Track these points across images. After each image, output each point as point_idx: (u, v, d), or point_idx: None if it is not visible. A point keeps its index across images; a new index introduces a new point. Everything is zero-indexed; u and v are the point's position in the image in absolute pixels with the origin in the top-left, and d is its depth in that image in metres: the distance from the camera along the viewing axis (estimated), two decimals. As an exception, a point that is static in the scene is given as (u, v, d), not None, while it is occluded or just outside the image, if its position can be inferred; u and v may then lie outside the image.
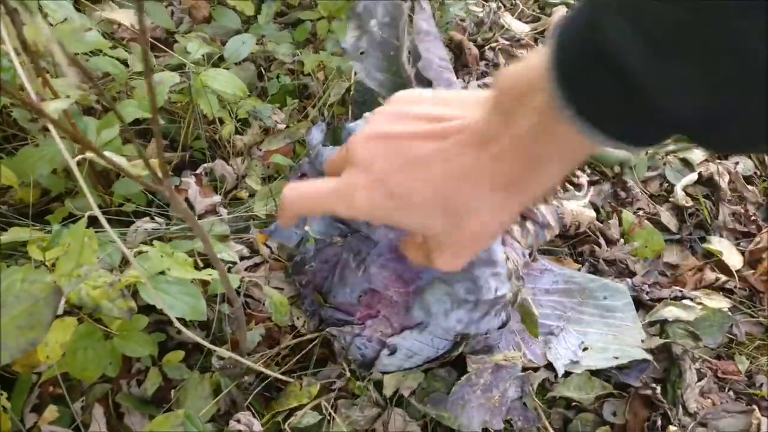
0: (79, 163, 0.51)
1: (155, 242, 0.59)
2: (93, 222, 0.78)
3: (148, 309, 0.66)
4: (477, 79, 1.15)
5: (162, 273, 0.62)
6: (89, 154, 0.46)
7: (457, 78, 1.16)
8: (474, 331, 0.68)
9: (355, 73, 0.98)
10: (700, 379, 0.77)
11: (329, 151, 0.72)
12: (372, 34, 0.78)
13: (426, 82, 0.72)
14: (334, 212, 0.37)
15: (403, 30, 0.75)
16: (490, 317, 0.68)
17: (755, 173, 1.10)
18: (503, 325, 0.72)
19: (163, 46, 0.95)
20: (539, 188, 0.32)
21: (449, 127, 0.33)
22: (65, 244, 0.48)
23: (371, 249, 0.69)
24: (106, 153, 0.48)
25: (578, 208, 0.92)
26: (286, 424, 0.65)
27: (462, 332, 0.68)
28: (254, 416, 0.67)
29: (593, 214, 0.94)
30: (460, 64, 1.19)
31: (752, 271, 0.91)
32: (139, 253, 0.58)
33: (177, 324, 0.58)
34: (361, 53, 0.76)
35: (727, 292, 0.90)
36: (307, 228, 0.69)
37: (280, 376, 0.70)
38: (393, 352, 0.68)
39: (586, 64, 0.25)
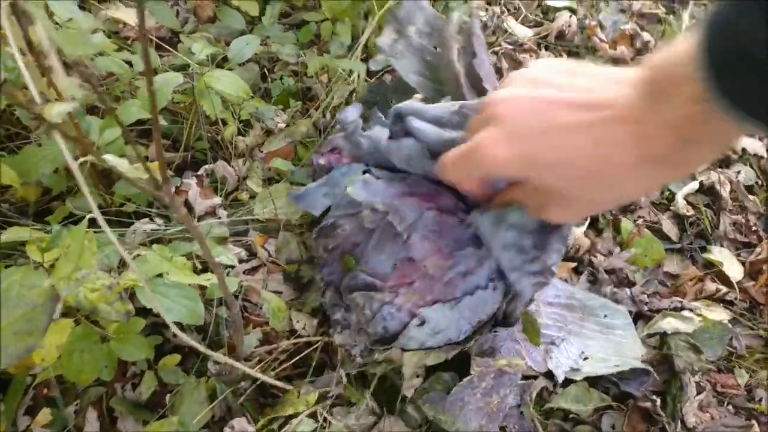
0: (80, 163, 0.50)
1: (154, 246, 0.58)
2: (92, 222, 0.78)
3: (145, 311, 0.66)
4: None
5: (160, 276, 0.62)
6: (90, 157, 0.45)
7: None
8: (469, 325, 0.68)
9: (359, 76, 0.98)
10: (699, 393, 0.77)
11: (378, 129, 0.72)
12: (410, 39, 0.79)
13: (476, 78, 0.72)
14: (476, 169, 0.41)
15: (448, 37, 0.76)
16: (529, 275, 0.66)
17: (757, 183, 1.09)
18: (509, 323, 0.72)
19: (167, 46, 0.94)
20: (690, 166, 0.35)
21: (595, 99, 0.35)
22: (65, 246, 0.47)
23: (417, 218, 0.67)
24: (108, 156, 0.48)
25: (579, 232, 0.92)
26: (282, 431, 0.65)
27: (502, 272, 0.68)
28: (249, 422, 0.67)
29: (588, 242, 0.94)
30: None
31: (753, 282, 0.91)
32: (138, 255, 0.58)
33: (173, 328, 0.58)
34: (396, 55, 0.77)
35: (728, 304, 0.89)
36: (349, 189, 0.66)
37: (276, 383, 0.70)
38: (422, 323, 0.66)
39: (738, 56, 0.27)
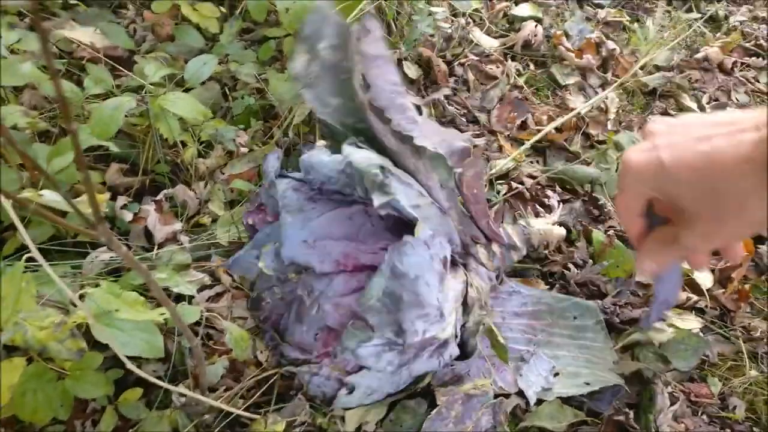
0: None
1: (102, 282, 0.56)
2: (46, 254, 0.75)
3: (104, 345, 0.63)
4: (445, 97, 1.13)
5: (117, 310, 0.60)
6: (24, 196, 0.43)
7: (427, 95, 1.15)
8: (407, 373, 0.67)
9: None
10: (673, 404, 0.76)
11: (285, 183, 0.70)
12: (322, 57, 0.75)
13: (378, 110, 0.70)
14: (621, 181, 0.43)
15: (352, 53, 0.72)
16: (424, 359, 0.66)
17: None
18: (465, 356, 0.70)
19: (122, 68, 0.92)
20: None
21: (730, 119, 0.37)
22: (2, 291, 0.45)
23: (325, 286, 0.67)
24: (45, 191, 0.46)
25: (546, 226, 0.91)
26: (248, 465, 0.63)
27: (397, 374, 0.67)
28: (215, 456, 0.65)
29: (563, 231, 0.93)
30: (430, 81, 1.18)
31: (723, 289, 0.91)
32: (85, 293, 0.55)
33: (129, 365, 0.56)
34: (312, 78, 0.74)
35: (699, 312, 0.89)
36: (260, 264, 0.67)
37: (243, 413, 0.68)
38: (351, 390, 0.66)
39: None
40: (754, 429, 0.76)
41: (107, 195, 0.78)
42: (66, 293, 0.52)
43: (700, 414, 0.77)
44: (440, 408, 0.71)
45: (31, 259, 0.53)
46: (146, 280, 0.45)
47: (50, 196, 0.47)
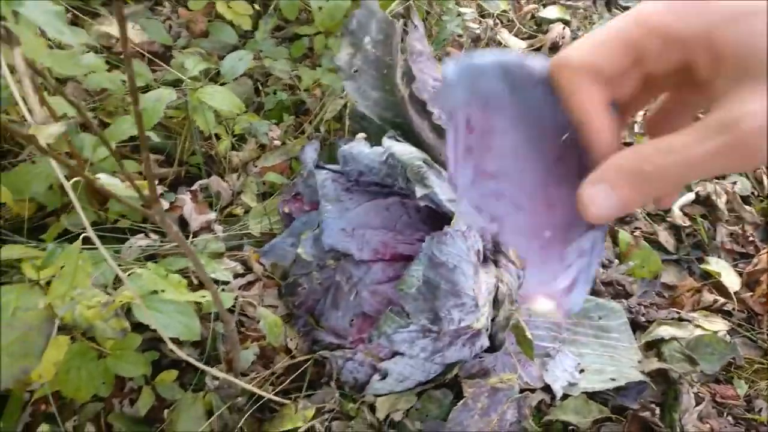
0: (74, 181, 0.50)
1: (149, 264, 0.58)
2: (87, 239, 0.78)
3: (141, 326, 0.66)
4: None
5: (155, 292, 0.62)
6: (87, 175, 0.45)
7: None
8: (440, 361, 0.68)
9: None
10: (698, 404, 0.76)
11: (324, 173, 0.71)
12: (366, 51, 0.78)
13: (420, 103, 0.72)
14: None
15: (396, 49, 0.74)
16: (457, 347, 0.67)
17: (753, 193, 1.10)
18: (493, 348, 0.71)
19: (159, 61, 0.95)
20: None
21: None
22: (59, 266, 0.47)
23: (363, 274, 0.69)
24: (101, 174, 0.48)
25: None
26: (280, 447, 0.64)
27: (431, 361, 0.68)
28: (247, 438, 0.67)
29: None
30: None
31: (750, 293, 0.91)
32: (132, 272, 0.57)
33: (170, 344, 0.58)
34: (355, 71, 0.76)
35: (726, 314, 0.89)
36: (299, 250, 0.68)
37: (274, 398, 0.70)
38: (384, 376, 0.67)
39: None
40: (780, 430, 0.76)
41: (145, 184, 0.80)
42: (117, 272, 0.54)
43: (725, 415, 0.78)
44: (467, 400, 0.72)
45: (83, 241, 0.56)
46: (193, 260, 0.47)
47: (106, 179, 0.49)
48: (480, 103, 0.32)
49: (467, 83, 0.31)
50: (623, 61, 0.28)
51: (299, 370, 0.75)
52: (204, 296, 0.58)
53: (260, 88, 1.04)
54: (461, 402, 0.71)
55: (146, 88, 0.84)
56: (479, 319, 0.65)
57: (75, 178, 0.46)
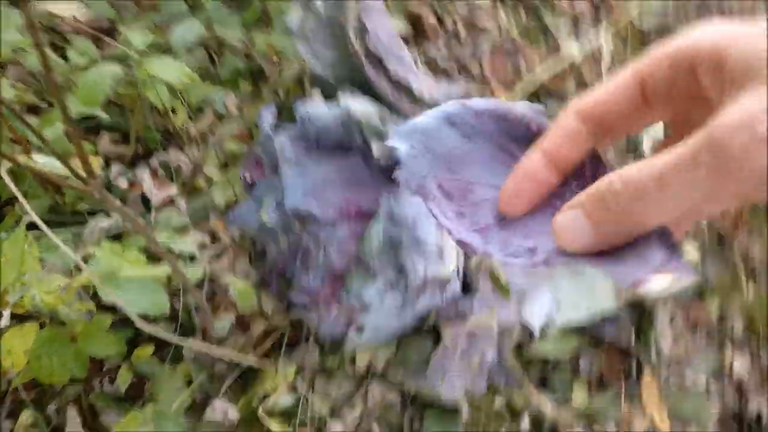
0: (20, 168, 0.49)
1: (104, 242, 0.58)
2: (46, 224, 0.77)
3: (113, 307, 0.66)
4: (438, 50, 1.13)
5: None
6: (20, 160, 0.44)
7: (417, 50, 1.14)
8: (412, 311, 0.68)
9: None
10: (672, 326, 0.78)
11: (282, 136, 0.70)
12: (317, 11, 0.76)
13: (375, 58, 0.71)
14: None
15: (348, 5, 0.73)
16: (427, 296, 0.68)
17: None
18: (468, 292, 0.72)
19: (107, 38, 0.92)
20: None
21: None
22: (4, 254, 0.47)
23: (329, 234, 0.68)
24: (37, 156, 0.47)
25: None
26: (261, 407, 0.65)
27: (403, 312, 0.68)
28: (230, 403, 0.67)
29: None
30: (420, 36, 1.17)
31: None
32: (88, 254, 0.57)
33: (138, 321, 0.58)
34: (308, 32, 0.74)
35: (697, 237, 0.90)
36: (263, 216, 0.68)
37: (252, 361, 0.70)
38: (360, 329, 0.68)
39: None
40: (752, 342, 0.78)
41: (101, 161, 0.79)
42: (69, 255, 0.54)
43: (699, 332, 0.79)
44: (446, 344, 0.72)
45: (32, 228, 0.55)
46: (143, 233, 0.47)
47: (44, 160, 0.48)
48: (443, 166, 0.31)
49: (420, 153, 0.30)
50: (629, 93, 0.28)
51: (277, 333, 0.75)
52: (165, 270, 0.58)
53: (215, 57, 1.02)
54: (441, 347, 0.72)
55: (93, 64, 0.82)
56: (445, 266, 0.65)
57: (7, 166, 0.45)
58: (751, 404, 0.71)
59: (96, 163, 0.63)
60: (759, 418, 0.70)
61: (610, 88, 0.29)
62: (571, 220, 0.26)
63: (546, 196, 0.30)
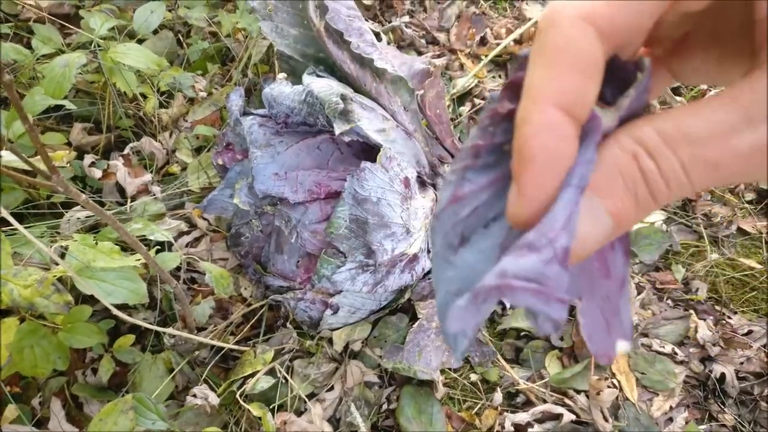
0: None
1: (75, 235, 0.58)
2: (22, 218, 0.77)
3: (94, 297, 0.66)
4: (400, 16, 1.12)
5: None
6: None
7: (384, 20, 1.14)
8: (383, 290, 0.70)
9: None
10: (639, 293, 0.80)
11: (250, 119, 0.70)
12: None
13: (336, 33, 0.70)
14: None
15: None
16: (396, 275, 0.69)
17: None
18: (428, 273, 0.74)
19: (70, 25, 0.91)
20: None
21: None
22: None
23: (301, 215, 0.69)
24: (2, 152, 0.47)
25: None
26: (240, 391, 0.67)
27: (374, 292, 0.70)
28: (211, 388, 0.69)
29: None
30: (385, 6, 1.17)
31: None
32: (61, 246, 0.57)
33: (115, 311, 0.59)
34: (269, 10, 0.74)
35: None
36: (235, 200, 0.68)
37: (233, 347, 0.71)
38: (336, 311, 0.69)
39: None
40: (716, 307, 0.81)
41: (73, 154, 0.79)
42: (42, 249, 0.54)
43: (665, 299, 0.82)
44: (421, 321, 0.74)
45: (5, 224, 0.55)
46: (110, 223, 0.47)
47: (9, 156, 0.48)
48: None
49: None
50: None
51: (256, 316, 0.76)
52: (138, 259, 0.58)
53: (182, 39, 1.01)
54: (416, 324, 0.74)
55: (58, 55, 0.81)
56: (412, 244, 0.67)
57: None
58: (715, 366, 0.73)
59: (60, 156, 0.63)
60: (723, 377, 0.73)
61: None
62: (586, 207, 0.17)
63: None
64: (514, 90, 0.17)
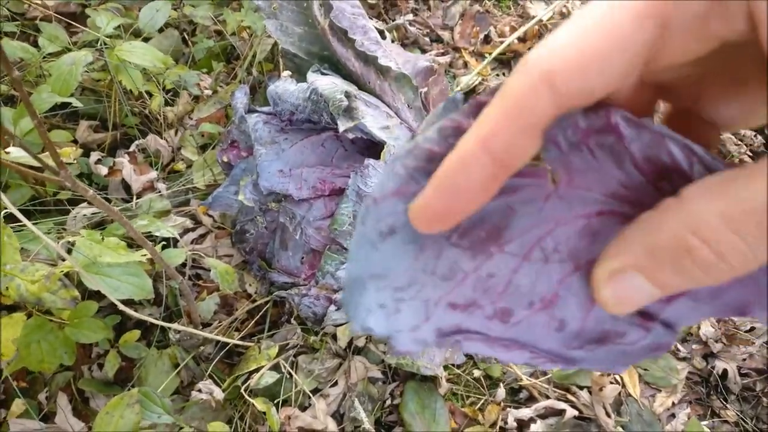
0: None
1: (82, 230, 0.59)
2: (29, 214, 0.78)
3: (100, 293, 0.67)
4: (404, 14, 1.13)
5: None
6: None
7: (388, 19, 1.14)
8: None
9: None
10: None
11: (254, 117, 0.71)
12: None
13: (341, 31, 0.71)
14: None
15: None
16: None
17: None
18: None
19: (77, 24, 0.91)
20: None
21: None
22: (-15, 246, 0.47)
23: (305, 212, 0.69)
24: (11, 149, 0.47)
25: None
26: (245, 386, 0.67)
27: None
28: (216, 384, 0.69)
29: None
30: (389, 4, 1.17)
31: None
32: (67, 242, 0.58)
33: (121, 306, 0.59)
34: (275, 8, 0.74)
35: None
36: (240, 197, 0.69)
37: (238, 342, 0.72)
38: (340, 306, 0.69)
39: None
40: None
41: (79, 151, 0.79)
42: (50, 245, 0.55)
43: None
44: (424, 317, 0.75)
45: (13, 220, 0.56)
46: (117, 219, 0.48)
47: (16, 153, 0.48)
48: None
49: None
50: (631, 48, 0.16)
51: (261, 312, 0.77)
52: (144, 254, 0.59)
53: (187, 38, 1.01)
54: (420, 320, 0.74)
55: (64, 53, 0.82)
56: None
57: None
58: (717, 363, 0.74)
59: (68, 153, 0.63)
60: (725, 373, 0.73)
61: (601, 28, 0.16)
62: (628, 286, 0.18)
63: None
64: (476, 110, 0.18)
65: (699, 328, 0.77)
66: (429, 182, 0.18)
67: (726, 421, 0.70)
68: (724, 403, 0.72)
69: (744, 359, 0.74)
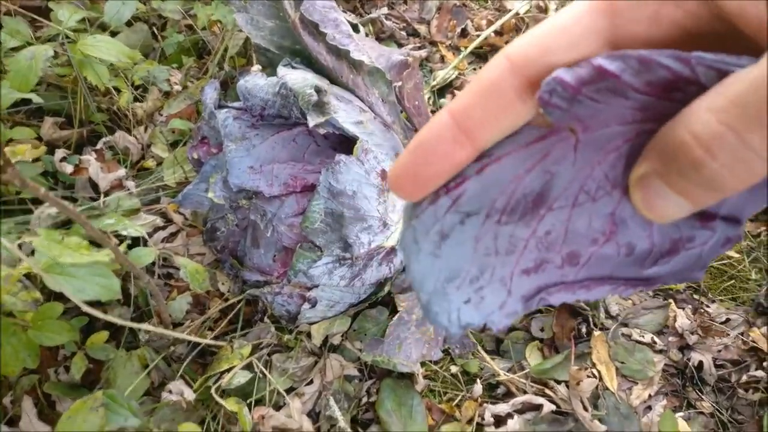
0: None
1: (40, 230, 0.56)
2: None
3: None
4: (379, 8, 1.11)
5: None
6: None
7: (364, 12, 1.13)
8: (360, 284, 0.69)
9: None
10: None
11: (224, 113, 0.69)
12: None
13: (312, 25, 0.69)
14: None
15: None
16: (373, 268, 0.69)
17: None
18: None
19: (39, 18, 0.89)
20: None
21: None
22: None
23: (277, 209, 0.68)
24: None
25: None
26: (216, 386, 0.66)
27: (351, 286, 0.69)
28: (188, 384, 0.68)
29: None
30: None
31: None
32: (24, 242, 0.56)
33: (84, 307, 0.57)
34: (245, 2, 0.72)
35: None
36: (210, 194, 0.67)
37: (211, 342, 0.70)
38: (314, 304, 0.68)
39: None
40: (694, 296, 0.81)
41: (44, 148, 0.77)
42: (5, 246, 0.53)
43: (645, 292, 0.82)
44: (401, 313, 0.74)
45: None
46: (75, 218, 0.46)
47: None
48: None
49: None
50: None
51: (234, 311, 0.75)
52: (108, 254, 0.57)
53: (157, 32, 0.99)
54: (396, 316, 0.73)
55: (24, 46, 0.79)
56: (389, 237, 0.66)
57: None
58: (693, 354, 0.74)
59: (23, 150, 0.61)
60: (701, 365, 0.73)
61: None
62: (653, 192, 0.18)
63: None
64: None
65: (675, 320, 0.76)
66: (405, 148, 0.19)
67: (702, 413, 0.70)
68: (700, 394, 0.72)
69: (719, 351, 0.74)
